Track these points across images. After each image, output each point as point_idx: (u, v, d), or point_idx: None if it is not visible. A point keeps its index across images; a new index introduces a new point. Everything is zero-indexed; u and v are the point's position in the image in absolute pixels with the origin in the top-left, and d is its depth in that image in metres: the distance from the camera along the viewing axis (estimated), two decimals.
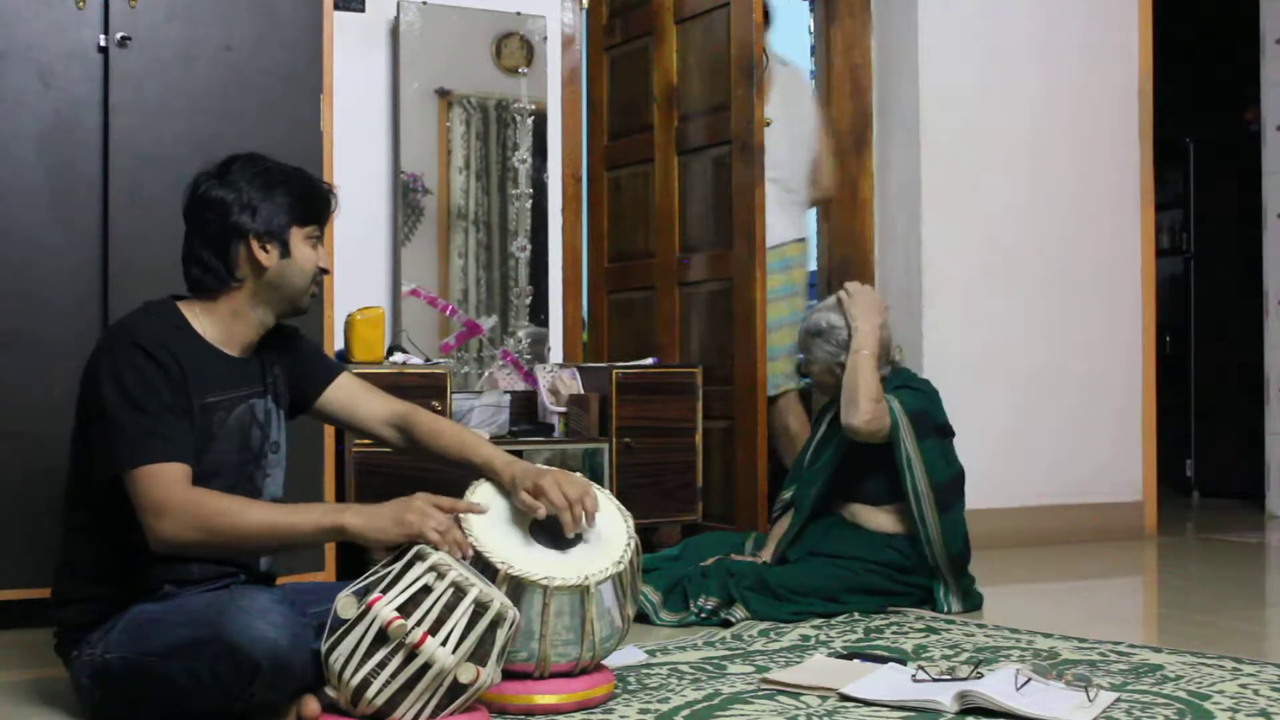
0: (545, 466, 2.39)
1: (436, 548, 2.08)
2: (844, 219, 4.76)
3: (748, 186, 4.18)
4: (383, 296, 4.31)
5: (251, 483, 2.31)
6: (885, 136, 4.71)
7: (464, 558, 2.11)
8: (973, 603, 3.31)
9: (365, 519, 2.14)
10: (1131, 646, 2.77)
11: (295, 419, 2.50)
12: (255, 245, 2.26)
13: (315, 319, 3.22)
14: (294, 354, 2.44)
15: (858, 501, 3.40)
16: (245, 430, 2.30)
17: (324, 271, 2.36)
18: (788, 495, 3.52)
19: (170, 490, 2.10)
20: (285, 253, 2.28)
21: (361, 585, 2.05)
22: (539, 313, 4.52)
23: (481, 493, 2.33)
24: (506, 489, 2.33)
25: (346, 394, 2.49)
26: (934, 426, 3.33)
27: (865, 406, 3.25)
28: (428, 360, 3.99)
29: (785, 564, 3.30)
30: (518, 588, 2.16)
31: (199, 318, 2.28)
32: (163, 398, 2.14)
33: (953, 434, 3.40)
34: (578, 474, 2.39)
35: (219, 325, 2.29)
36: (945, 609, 3.24)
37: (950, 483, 3.31)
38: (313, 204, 2.32)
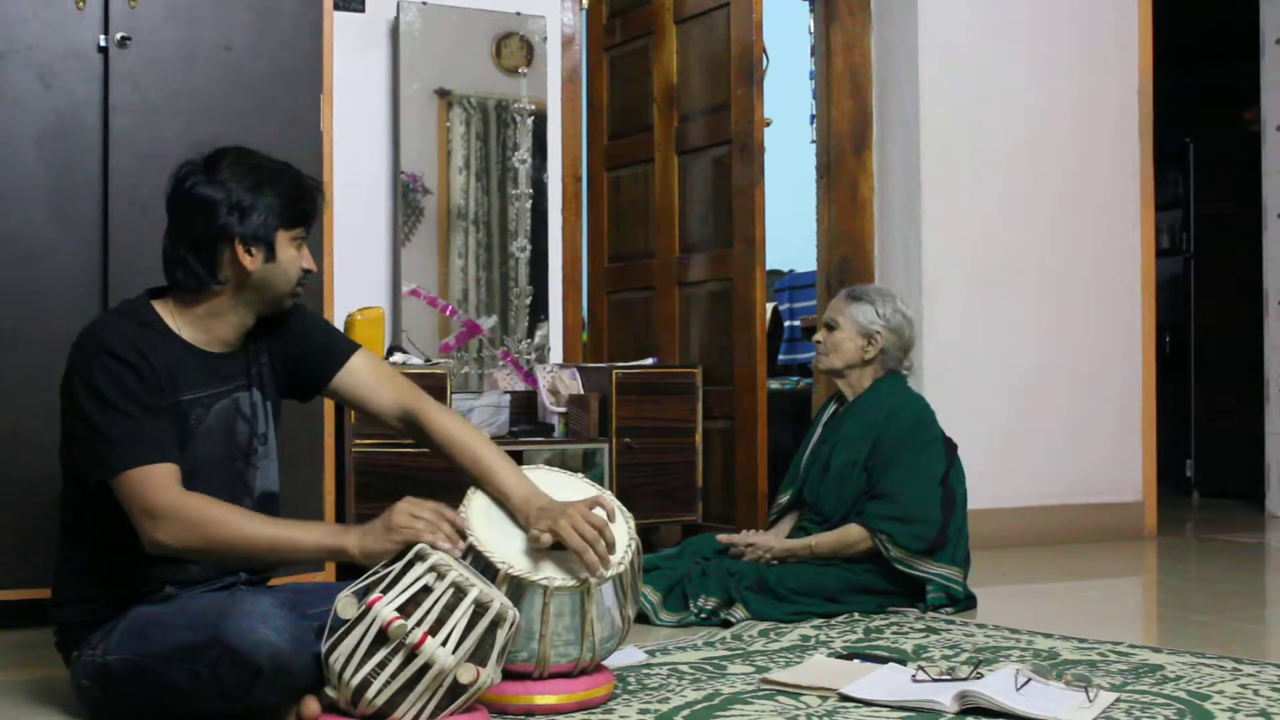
0: (558, 490, 2.36)
1: (435, 546, 2.08)
2: (844, 219, 4.76)
3: (748, 186, 4.19)
4: (383, 296, 4.32)
5: (242, 480, 2.29)
6: (885, 136, 4.71)
7: (462, 556, 2.11)
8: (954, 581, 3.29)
9: (360, 538, 2.10)
10: (1131, 646, 2.77)
11: (309, 401, 2.47)
12: (240, 249, 2.19)
13: None
14: (297, 334, 2.36)
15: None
16: (229, 425, 2.26)
17: (308, 273, 2.29)
18: (784, 499, 3.51)
19: (162, 493, 2.08)
20: (270, 256, 2.21)
21: (362, 585, 2.05)
22: (539, 313, 4.52)
23: (480, 496, 2.32)
24: (521, 523, 2.28)
25: (358, 380, 2.40)
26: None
27: (863, 546, 3.22)
28: (428, 360, 3.99)
29: (785, 564, 3.30)
30: (518, 588, 2.16)
31: (174, 316, 2.24)
32: (140, 399, 2.11)
33: (955, 451, 3.39)
34: (599, 498, 2.34)
35: (195, 325, 2.24)
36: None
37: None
38: (301, 206, 2.25)
